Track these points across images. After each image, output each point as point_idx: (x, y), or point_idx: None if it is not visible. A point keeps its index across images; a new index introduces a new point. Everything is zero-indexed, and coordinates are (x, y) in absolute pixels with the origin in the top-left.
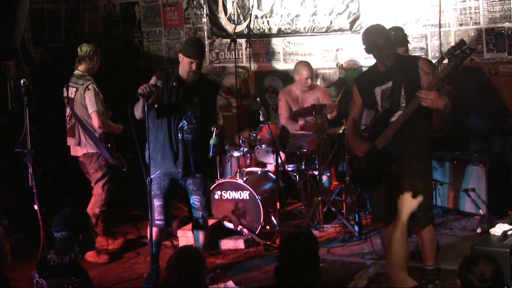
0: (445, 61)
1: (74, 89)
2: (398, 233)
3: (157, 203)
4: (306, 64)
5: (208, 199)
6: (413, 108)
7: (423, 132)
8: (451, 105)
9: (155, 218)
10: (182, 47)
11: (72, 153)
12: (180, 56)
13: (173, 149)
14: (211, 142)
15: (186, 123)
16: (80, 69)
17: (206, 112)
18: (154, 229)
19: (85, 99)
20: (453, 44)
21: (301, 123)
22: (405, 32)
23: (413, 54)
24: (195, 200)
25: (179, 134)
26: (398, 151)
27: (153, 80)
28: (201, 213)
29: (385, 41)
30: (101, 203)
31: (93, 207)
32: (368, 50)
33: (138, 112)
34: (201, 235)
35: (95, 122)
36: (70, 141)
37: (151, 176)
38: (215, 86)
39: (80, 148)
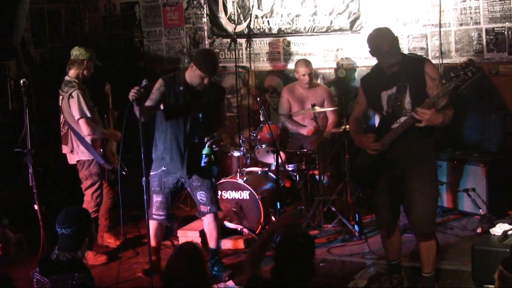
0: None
1: (61, 97)
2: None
3: (156, 198)
4: (303, 62)
5: (214, 194)
6: (409, 121)
7: (428, 136)
8: (452, 114)
9: (153, 212)
10: (197, 58)
11: (69, 162)
12: (193, 66)
13: (180, 152)
14: (203, 152)
15: (193, 127)
16: (70, 74)
17: (213, 116)
18: (153, 223)
19: (70, 107)
20: (453, 43)
21: (308, 129)
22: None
23: (419, 55)
24: (201, 195)
25: (187, 138)
26: (402, 155)
27: (158, 82)
28: (208, 207)
29: (390, 48)
30: (91, 210)
31: None
32: (372, 54)
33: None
34: (213, 232)
35: (84, 129)
36: (65, 149)
37: (152, 173)
38: (222, 90)
39: (73, 155)
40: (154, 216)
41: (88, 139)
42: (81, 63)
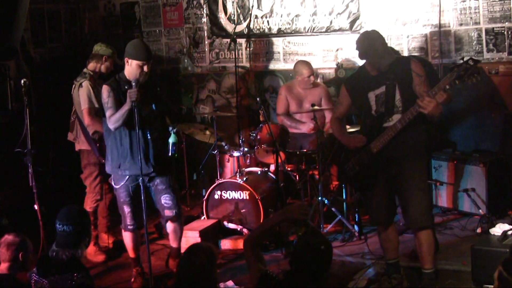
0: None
1: (73, 86)
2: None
3: (127, 209)
4: (305, 63)
5: (177, 194)
6: (411, 115)
7: (423, 133)
8: (441, 111)
9: (127, 223)
10: (128, 51)
11: (75, 149)
12: (128, 60)
13: (143, 150)
14: (171, 140)
15: (146, 123)
16: (88, 67)
17: (160, 110)
18: (129, 234)
19: (79, 96)
20: (453, 43)
21: (308, 126)
22: None
23: (404, 55)
24: (166, 199)
25: (145, 135)
26: (398, 152)
27: (105, 90)
28: (174, 210)
29: (384, 48)
30: (91, 200)
31: (85, 204)
32: (364, 55)
33: (119, 122)
34: (178, 232)
35: (85, 119)
36: (70, 136)
37: (117, 186)
38: (156, 82)
39: (76, 143)
40: (129, 227)
41: (89, 129)
42: (100, 58)
